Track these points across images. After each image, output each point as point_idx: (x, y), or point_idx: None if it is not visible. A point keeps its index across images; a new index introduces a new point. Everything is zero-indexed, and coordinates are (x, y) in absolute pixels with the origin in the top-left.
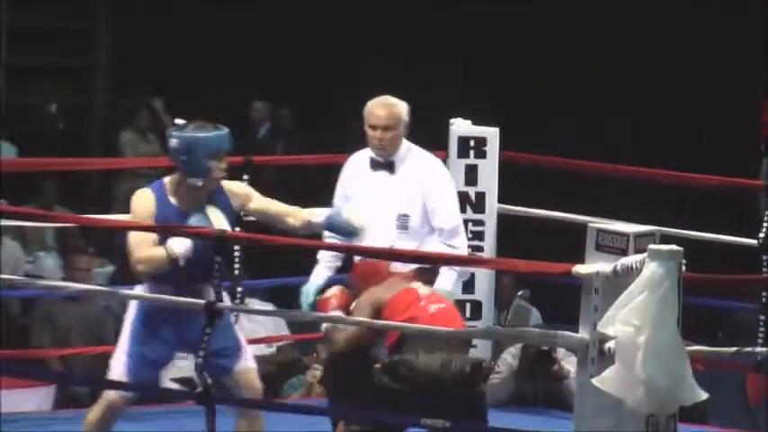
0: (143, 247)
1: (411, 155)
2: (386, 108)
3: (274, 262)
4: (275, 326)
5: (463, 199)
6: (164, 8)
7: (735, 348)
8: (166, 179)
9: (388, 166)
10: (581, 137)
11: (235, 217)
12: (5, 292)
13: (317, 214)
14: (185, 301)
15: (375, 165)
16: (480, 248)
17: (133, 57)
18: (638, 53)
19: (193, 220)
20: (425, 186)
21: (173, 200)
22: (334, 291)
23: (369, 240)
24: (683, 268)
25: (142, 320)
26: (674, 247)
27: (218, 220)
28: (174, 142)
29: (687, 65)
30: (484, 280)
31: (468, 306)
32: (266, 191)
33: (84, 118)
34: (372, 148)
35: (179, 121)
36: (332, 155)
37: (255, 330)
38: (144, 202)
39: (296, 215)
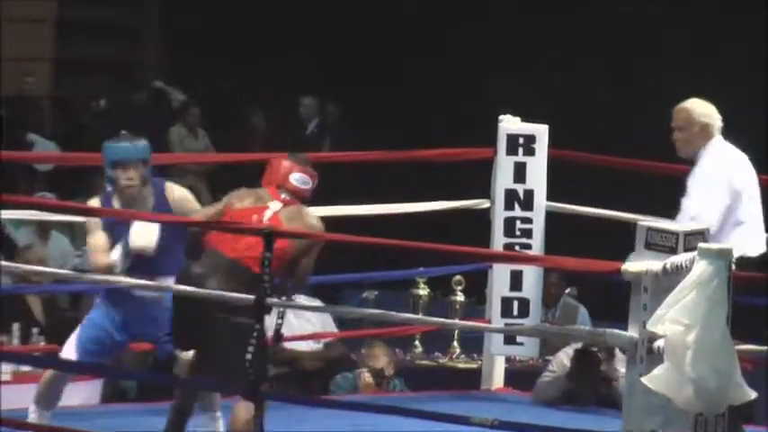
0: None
1: (709, 154)
2: (678, 111)
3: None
4: (322, 322)
5: (511, 196)
6: (211, 7)
7: None
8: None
9: (693, 165)
10: (623, 135)
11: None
12: (55, 286)
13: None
14: (238, 297)
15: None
16: (528, 246)
17: (181, 54)
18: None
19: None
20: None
21: (115, 203)
22: None
23: None
24: (733, 267)
25: (102, 306)
26: (723, 245)
27: (141, 228)
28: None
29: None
30: (532, 277)
31: (515, 303)
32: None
33: (133, 112)
34: None
35: (123, 132)
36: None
37: (303, 327)
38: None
39: None
